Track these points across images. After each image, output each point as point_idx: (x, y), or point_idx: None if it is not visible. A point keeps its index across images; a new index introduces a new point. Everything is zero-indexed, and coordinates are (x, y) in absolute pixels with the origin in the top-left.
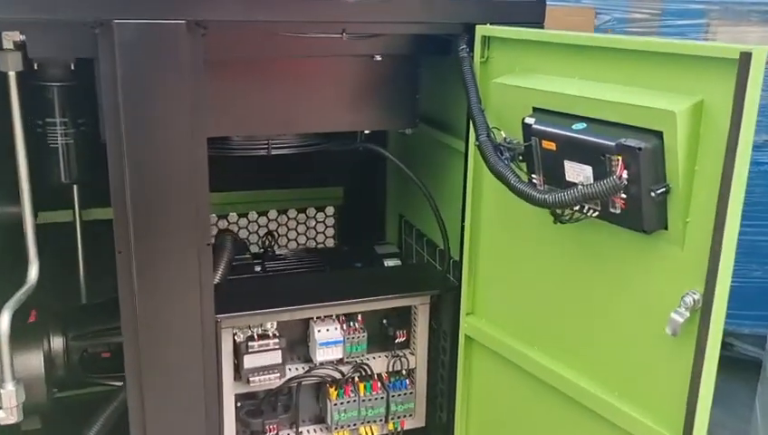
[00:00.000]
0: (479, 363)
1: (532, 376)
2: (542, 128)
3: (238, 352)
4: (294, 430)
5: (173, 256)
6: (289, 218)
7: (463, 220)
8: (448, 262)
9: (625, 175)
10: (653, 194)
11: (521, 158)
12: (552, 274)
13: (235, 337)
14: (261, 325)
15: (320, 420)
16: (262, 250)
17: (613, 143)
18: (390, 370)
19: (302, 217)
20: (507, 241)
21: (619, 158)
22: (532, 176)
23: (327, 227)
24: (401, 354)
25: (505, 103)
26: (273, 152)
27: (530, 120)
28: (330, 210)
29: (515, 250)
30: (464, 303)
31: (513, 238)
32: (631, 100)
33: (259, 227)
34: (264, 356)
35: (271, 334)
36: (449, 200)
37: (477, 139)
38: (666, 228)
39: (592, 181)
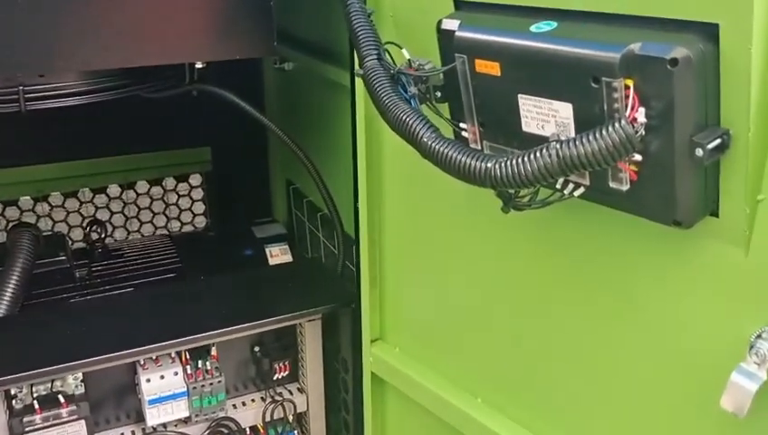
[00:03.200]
0: (393, 411)
1: None
2: (475, 35)
3: (12, 431)
4: None
5: None
6: (138, 194)
7: (355, 199)
8: (342, 247)
9: (641, 116)
10: (698, 152)
11: (438, 94)
12: (505, 289)
13: (14, 403)
14: (53, 381)
15: None
16: (88, 246)
17: (617, 53)
18: (269, 419)
19: (156, 191)
20: (428, 233)
21: (630, 82)
22: (460, 125)
23: (194, 201)
24: (285, 395)
25: None
26: (31, 106)
27: (450, 24)
28: (195, 180)
29: (442, 247)
30: (366, 325)
31: (438, 229)
32: None
33: (97, 208)
34: (56, 433)
35: (63, 399)
36: (344, 162)
37: (361, 64)
38: (716, 215)
39: (574, 132)
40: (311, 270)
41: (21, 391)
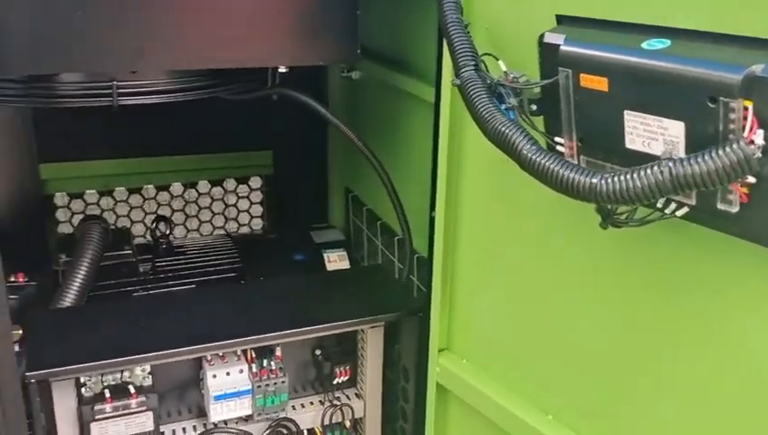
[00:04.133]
0: (457, 423)
1: None
2: (582, 50)
3: (82, 418)
4: None
5: None
6: (200, 194)
7: (432, 208)
8: (410, 260)
9: (760, 138)
10: None
11: (533, 108)
12: (589, 306)
13: (83, 391)
14: (122, 371)
15: None
16: (152, 242)
17: (738, 74)
18: (327, 423)
19: (217, 191)
20: (508, 247)
21: (749, 103)
22: (555, 139)
23: (252, 204)
24: (343, 400)
25: (505, 11)
26: (122, 101)
27: (554, 38)
28: (255, 182)
29: (522, 262)
30: (434, 335)
31: (520, 244)
32: None
33: (159, 205)
34: (124, 423)
35: (133, 390)
36: (414, 174)
37: (458, 74)
38: None
39: (683, 151)
40: (373, 277)
41: (90, 380)
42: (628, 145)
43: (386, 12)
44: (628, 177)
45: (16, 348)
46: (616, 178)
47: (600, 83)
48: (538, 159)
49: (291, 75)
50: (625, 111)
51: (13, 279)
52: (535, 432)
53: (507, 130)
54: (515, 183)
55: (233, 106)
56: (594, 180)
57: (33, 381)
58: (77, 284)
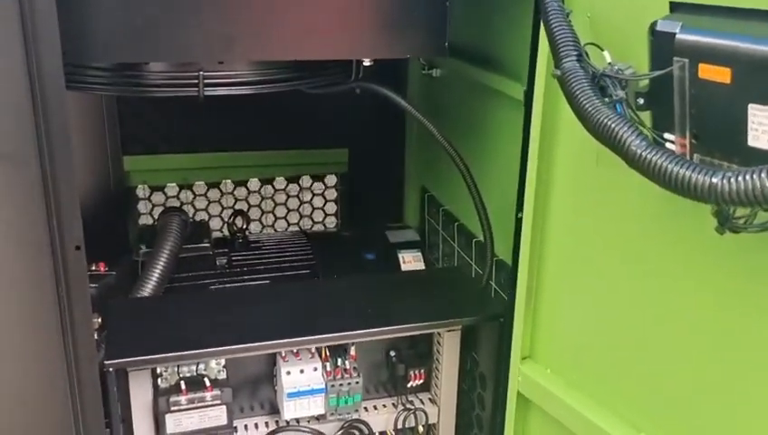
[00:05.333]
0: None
1: None
2: (702, 39)
3: (158, 409)
4: None
5: None
6: (276, 190)
7: (519, 209)
8: (490, 267)
9: None
10: None
11: (640, 101)
12: (691, 318)
13: (160, 381)
14: (198, 364)
15: None
16: (229, 236)
17: None
18: (400, 427)
19: (293, 188)
20: (600, 251)
21: None
22: (665, 136)
23: (327, 201)
24: (416, 405)
25: None
26: (207, 92)
27: (668, 26)
28: (330, 180)
29: (616, 267)
30: (517, 342)
31: (614, 248)
32: None
33: (236, 200)
34: (198, 416)
35: (208, 383)
36: (497, 175)
37: (558, 65)
38: None
39: None
40: (450, 279)
41: (166, 371)
42: (751, 143)
43: (472, 6)
44: (755, 176)
45: (95, 336)
46: (740, 178)
47: (721, 75)
48: (649, 156)
49: (371, 71)
50: (749, 106)
51: (93, 268)
52: None
53: (613, 124)
54: (611, 184)
55: (310, 103)
56: (715, 180)
57: (111, 369)
58: (156, 275)
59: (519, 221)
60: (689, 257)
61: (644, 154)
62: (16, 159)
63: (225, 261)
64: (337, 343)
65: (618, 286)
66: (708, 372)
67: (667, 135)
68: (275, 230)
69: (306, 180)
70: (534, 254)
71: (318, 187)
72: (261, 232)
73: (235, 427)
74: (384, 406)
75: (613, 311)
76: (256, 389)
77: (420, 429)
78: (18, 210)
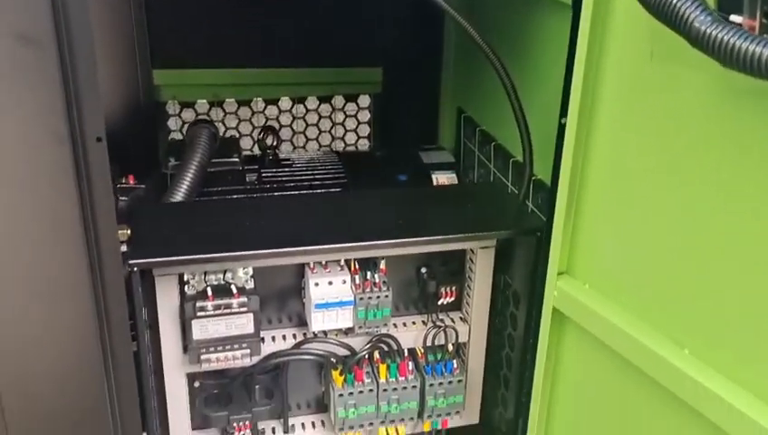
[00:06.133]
0: (573, 351)
1: (666, 390)
2: None
3: (184, 314)
4: (282, 422)
5: None
6: (308, 110)
7: (562, 114)
8: (528, 183)
9: None
10: None
11: None
12: (735, 228)
13: (187, 288)
14: (225, 272)
15: (320, 405)
16: (260, 152)
17: None
18: (429, 344)
19: (325, 108)
20: (649, 158)
21: None
22: (730, 18)
23: (359, 123)
24: (446, 323)
25: None
26: None
27: None
28: (364, 100)
29: (665, 175)
30: (554, 256)
31: (665, 154)
32: None
33: (267, 119)
34: (224, 323)
35: (235, 289)
36: (538, 89)
37: None
38: None
39: None
40: (486, 194)
41: (193, 278)
42: None
43: None
44: None
45: (124, 248)
46: None
47: None
48: (713, 32)
49: None
50: None
51: (123, 181)
52: (670, 367)
53: (675, 0)
54: (665, 83)
55: (345, 19)
56: None
57: (135, 269)
58: (185, 185)
59: (562, 127)
60: (747, 167)
61: (709, 30)
62: (32, 40)
63: (254, 177)
64: (367, 254)
65: (665, 197)
66: (758, 289)
67: (733, 17)
68: (304, 149)
69: (339, 101)
70: (577, 162)
71: (351, 108)
72: (293, 151)
73: (263, 338)
74: (413, 323)
75: (659, 222)
76: (284, 301)
77: (450, 347)
78: (36, 98)
